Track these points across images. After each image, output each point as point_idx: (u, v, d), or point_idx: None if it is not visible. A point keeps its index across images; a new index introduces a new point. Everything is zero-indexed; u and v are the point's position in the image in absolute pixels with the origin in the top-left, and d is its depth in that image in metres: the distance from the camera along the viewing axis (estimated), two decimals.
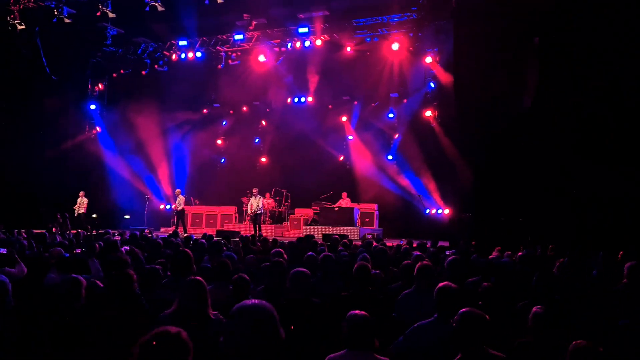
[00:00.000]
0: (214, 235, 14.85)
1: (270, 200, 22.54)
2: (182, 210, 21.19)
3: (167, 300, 5.27)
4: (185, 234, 16.88)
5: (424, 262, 6.16)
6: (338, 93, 24.27)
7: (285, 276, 6.19)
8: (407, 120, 22.74)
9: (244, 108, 26.41)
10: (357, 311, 4.00)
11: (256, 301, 2.79)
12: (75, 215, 20.78)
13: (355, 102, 24.46)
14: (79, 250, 9.13)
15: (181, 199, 21.04)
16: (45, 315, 4.88)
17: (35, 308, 4.80)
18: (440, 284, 4.77)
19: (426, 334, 4.56)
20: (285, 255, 8.49)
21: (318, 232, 18.59)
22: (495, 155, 18.49)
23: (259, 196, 20.03)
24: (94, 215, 22.25)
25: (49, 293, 5.28)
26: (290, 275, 5.56)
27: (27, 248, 9.79)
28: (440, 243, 12.20)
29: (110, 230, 13.99)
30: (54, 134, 23.75)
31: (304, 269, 5.64)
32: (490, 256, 10.00)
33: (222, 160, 27.21)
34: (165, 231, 20.08)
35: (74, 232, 17.42)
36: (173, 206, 21.70)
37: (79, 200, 20.96)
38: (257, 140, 26.75)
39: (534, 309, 4.31)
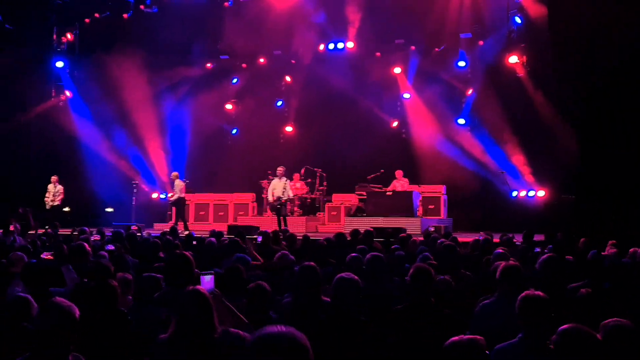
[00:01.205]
0: (225, 232, 15.03)
1: (300, 184, 22.63)
2: (182, 199, 21.45)
3: (162, 319, 5.37)
4: (187, 231, 17.11)
5: (510, 261, 6.14)
6: (388, 35, 24.06)
7: (319, 284, 6.25)
8: (484, 70, 22.51)
9: (261, 60, 26.43)
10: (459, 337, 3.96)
11: (283, 328, 2.75)
12: (48, 207, 21.17)
13: (413, 47, 24.21)
14: (47, 255, 9.31)
15: (179, 184, 21.30)
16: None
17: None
18: (523, 294, 4.75)
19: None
20: (291, 256, 8.63)
21: (365, 224, 18.57)
22: (609, 114, 18.13)
23: (284, 178, 20.10)
24: (67, 209, 22.66)
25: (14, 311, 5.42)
26: (335, 283, 5.60)
27: None
28: (535, 237, 12.13)
29: (86, 229, 14.24)
30: (10, 101, 24.15)
31: (352, 275, 5.66)
32: (604, 253, 9.88)
33: (234, 131, 27.34)
34: (160, 228, 20.35)
35: (41, 231, 17.84)
36: (169, 195, 21.97)
37: (50, 187, 21.33)
38: (279, 103, 26.78)
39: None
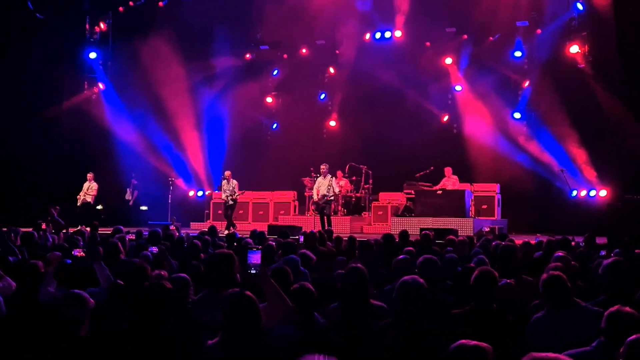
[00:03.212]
0: (266, 232, 15.10)
1: (344, 182, 22.62)
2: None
3: (205, 323, 5.42)
4: (227, 231, 17.16)
5: (553, 272, 6.09)
6: (439, 24, 23.92)
7: (367, 288, 6.26)
8: (542, 61, 22.30)
9: (303, 50, 26.46)
10: (466, 341, 3.97)
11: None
12: (78, 204, 21.44)
13: (465, 37, 24.10)
14: (78, 252, 9.41)
15: (235, 184, 21.28)
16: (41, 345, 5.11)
17: (29, 334, 5.03)
18: (613, 310, 4.69)
19: None
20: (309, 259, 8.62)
21: (413, 225, 18.56)
22: None
23: (329, 176, 20.10)
24: (100, 207, 22.91)
25: (47, 313, 5.51)
26: (398, 287, 5.60)
27: (10, 253, 10.19)
28: (598, 240, 11.99)
29: (122, 227, 14.39)
30: (41, 94, 24.53)
31: (417, 279, 5.66)
32: None
33: (274, 125, 27.45)
34: (197, 228, 20.49)
35: (72, 230, 18.07)
36: (227, 195, 21.31)
37: (86, 185, 21.61)
38: (322, 96, 26.80)
39: None
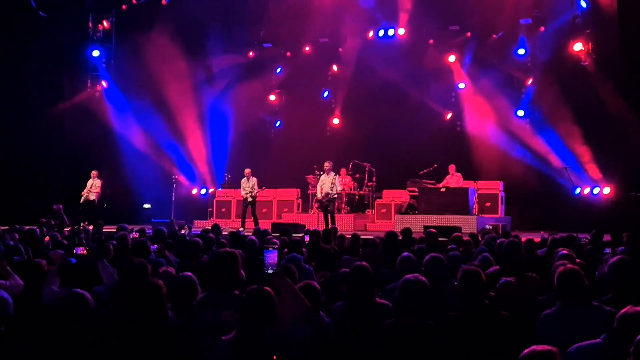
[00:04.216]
0: (269, 230, 15.09)
1: (347, 179, 22.59)
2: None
3: (212, 322, 5.41)
4: (257, 227, 17.00)
5: (569, 265, 6.06)
6: (442, 21, 23.94)
7: (372, 286, 6.24)
8: (546, 58, 22.27)
9: (307, 48, 26.45)
10: (537, 346, 3.97)
11: None
12: (82, 201, 21.45)
13: (468, 34, 24.06)
14: (81, 250, 9.39)
15: (255, 181, 21.30)
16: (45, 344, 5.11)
17: (35, 333, 5.03)
18: (623, 311, 4.66)
19: None
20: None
21: (416, 223, 18.54)
22: None
23: (332, 173, 20.10)
24: (104, 205, 22.87)
25: (51, 312, 5.49)
26: (401, 286, 5.58)
27: (14, 251, 10.19)
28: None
29: (126, 226, 14.39)
30: (44, 93, 24.51)
31: (420, 277, 5.64)
32: None
33: (278, 123, 27.44)
34: (201, 225, 20.47)
35: (77, 228, 18.08)
36: (247, 192, 21.32)
37: (90, 182, 21.63)
38: (325, 94, 26.79)
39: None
